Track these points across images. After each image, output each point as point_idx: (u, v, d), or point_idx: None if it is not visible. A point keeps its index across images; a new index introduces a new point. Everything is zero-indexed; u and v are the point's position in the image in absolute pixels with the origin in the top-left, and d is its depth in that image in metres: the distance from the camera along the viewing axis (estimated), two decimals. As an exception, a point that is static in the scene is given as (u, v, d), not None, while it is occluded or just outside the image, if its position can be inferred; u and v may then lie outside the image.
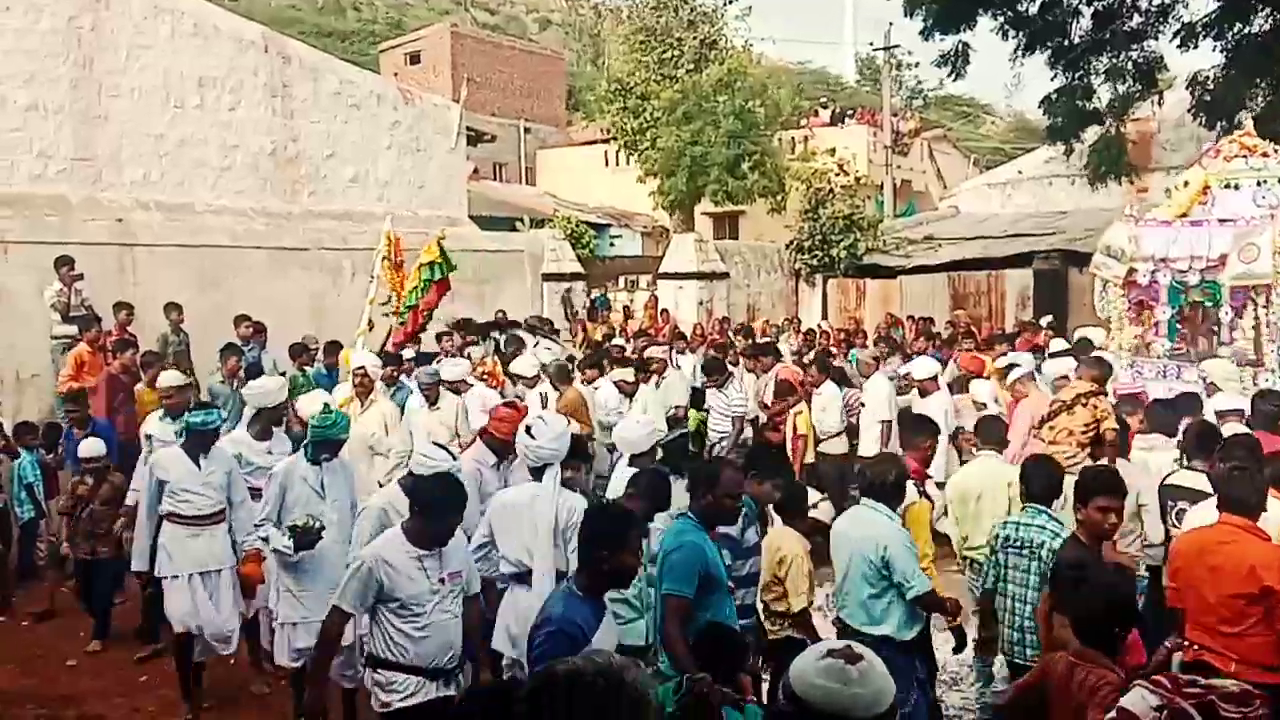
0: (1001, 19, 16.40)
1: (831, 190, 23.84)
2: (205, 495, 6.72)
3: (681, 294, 21.31)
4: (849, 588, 5.39)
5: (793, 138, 31.12)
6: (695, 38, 29.39)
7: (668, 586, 4.73)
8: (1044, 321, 14.86)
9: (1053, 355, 10.26)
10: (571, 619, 3.88)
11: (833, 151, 27.14)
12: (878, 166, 31.84)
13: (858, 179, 26.15)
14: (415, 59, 42.18)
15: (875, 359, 11.39)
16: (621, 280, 25.23)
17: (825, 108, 36.70)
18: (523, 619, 5.37)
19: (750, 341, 13.88)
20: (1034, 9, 16.48)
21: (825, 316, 22.10)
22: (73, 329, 11.50)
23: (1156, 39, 16.61)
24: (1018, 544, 5.49)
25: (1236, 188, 8.98)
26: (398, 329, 10.12)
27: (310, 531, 6.02)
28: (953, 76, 17.11)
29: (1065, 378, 8.39)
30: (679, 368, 12.20)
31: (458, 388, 9.55)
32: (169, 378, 8.41)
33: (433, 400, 9.21)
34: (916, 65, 54.62)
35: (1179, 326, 9.57)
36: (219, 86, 15.33)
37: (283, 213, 16.00)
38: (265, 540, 6.33)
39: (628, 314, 22.19)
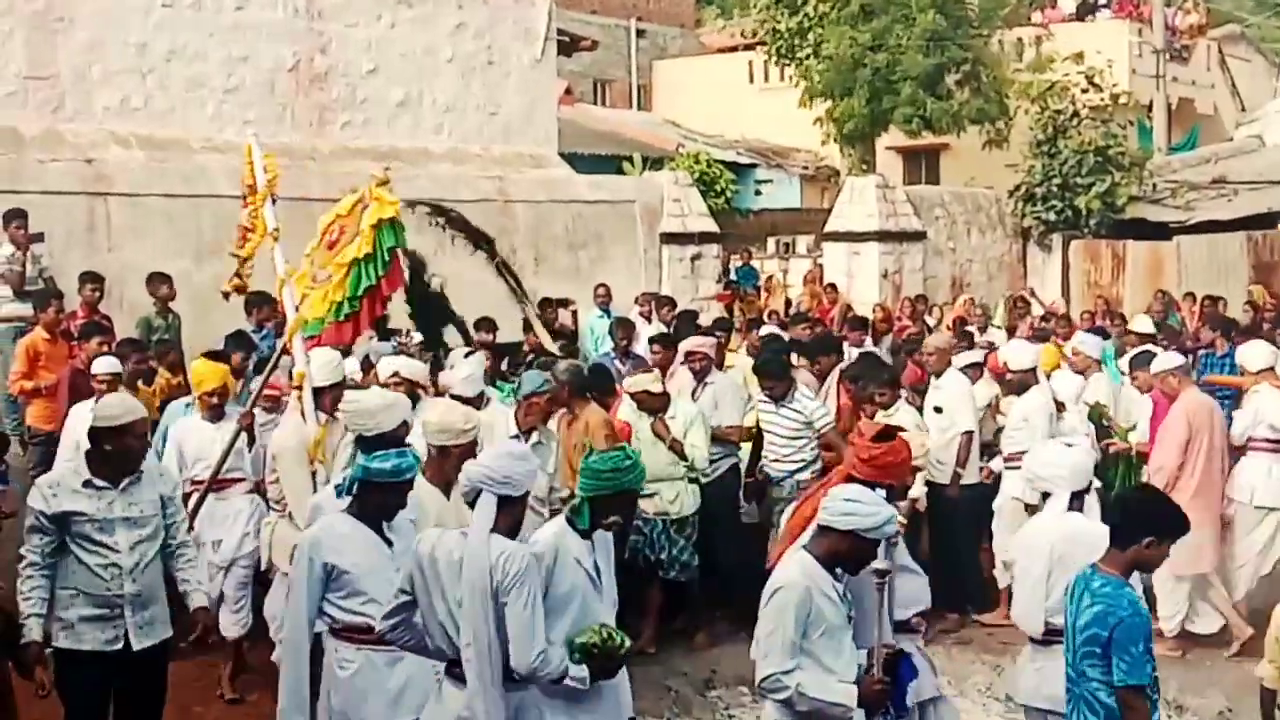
0: None
1: (1077, 114, 23.44)
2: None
3: (857, 262, 21.08)
4: None
5: (1019, 39, 30.65)
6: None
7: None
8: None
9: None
10: None
11: (1079, 58, 26.69)
12: (1144, 79, 31.04)
13: (1115, 97, 25.73)
14: (487, -63, 42.68)
15: (944, 348, 11.36)
16: (772, 243, 25.07)
17: (1067, -5, 35.94)
18: None
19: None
20: None
21: (1066, 293, 21.63)
22: (27, 308, 11.81)
23: None
24: None
25: None
26: (332, 324, 8.73)
27: (614, 651, 5.69)
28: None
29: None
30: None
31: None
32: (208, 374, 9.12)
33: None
34: (1201, -68, 53.20)
35: None
36: (222, -23, 15.69)
37: (307, 150, 16.28)
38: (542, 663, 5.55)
39: (771, 286, 21.99)
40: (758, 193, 32.45)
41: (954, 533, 10.54)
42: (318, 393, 8.27)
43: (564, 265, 17.90)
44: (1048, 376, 11.19)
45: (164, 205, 14.38)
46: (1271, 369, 10.28)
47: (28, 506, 6.51)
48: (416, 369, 9.86)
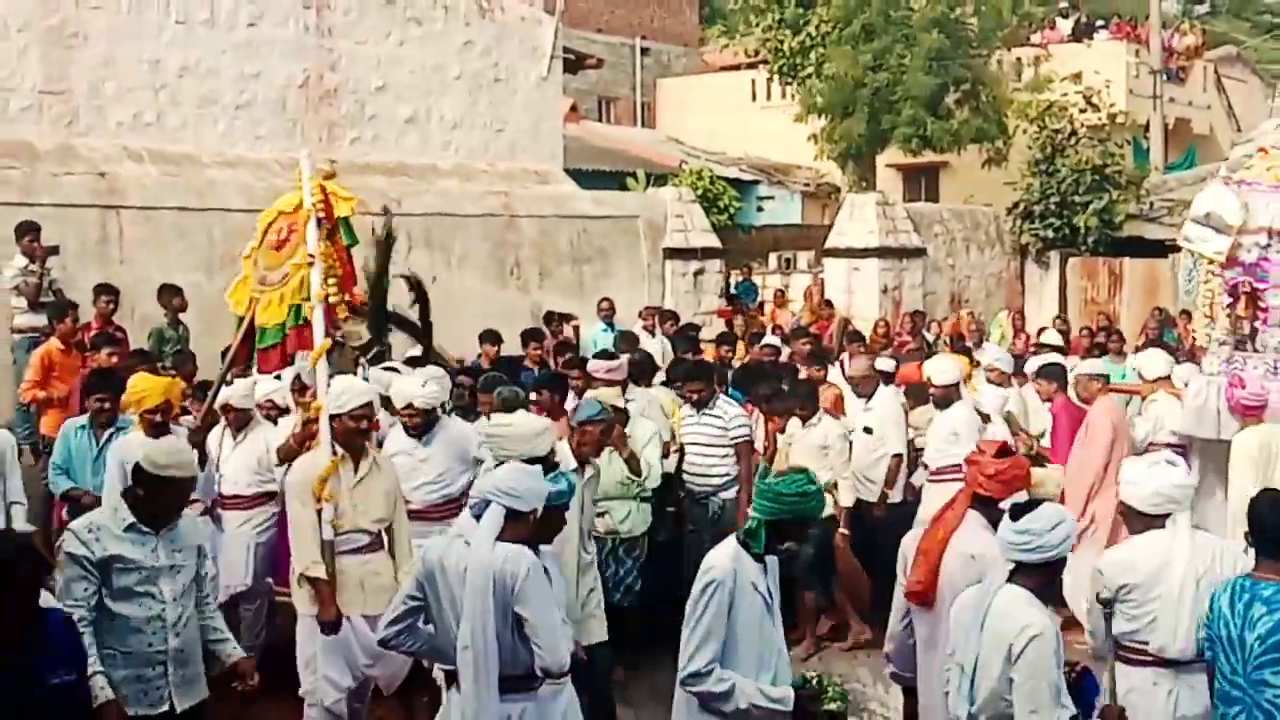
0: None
1: (1075, 133, 23.51)
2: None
3: (857, 278, 21.10)
4: None
5: (1019, 59, 30.66)
6: (881, -81, 29.18)
7: None
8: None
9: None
10: None
11: (1077, 78, 26.67)
12: (1142, 99, 31.08)
13: (1113, 117, 25.72)
14: (495, -44, 42.78)
15: (867, 373, 11.18)
16: (773, 259, 25.08)
17: (1066, 17, 35.92)
18: None
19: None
20: None
21: (1063, 310, 21.64)
22: (41, 319, 11.83)
23: None
24: None
25: None
26: (293, 330, 7.94)
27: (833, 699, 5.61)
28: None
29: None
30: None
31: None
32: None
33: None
34: (1199, -45, 53.32)
35: None
36: (234, -5, 15.76)
37: (317, 165, 16.29)
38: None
39: (779, 301, 22.05)
40: (760, 209, 32.45)
41: (878, 549, 10.30)
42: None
43: (568, 280, 17.97)
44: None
45: (176, 219, 14.43)
46: (1168, 377, 10.68)
47: (63, 553, 5.80)
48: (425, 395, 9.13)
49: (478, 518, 5.58)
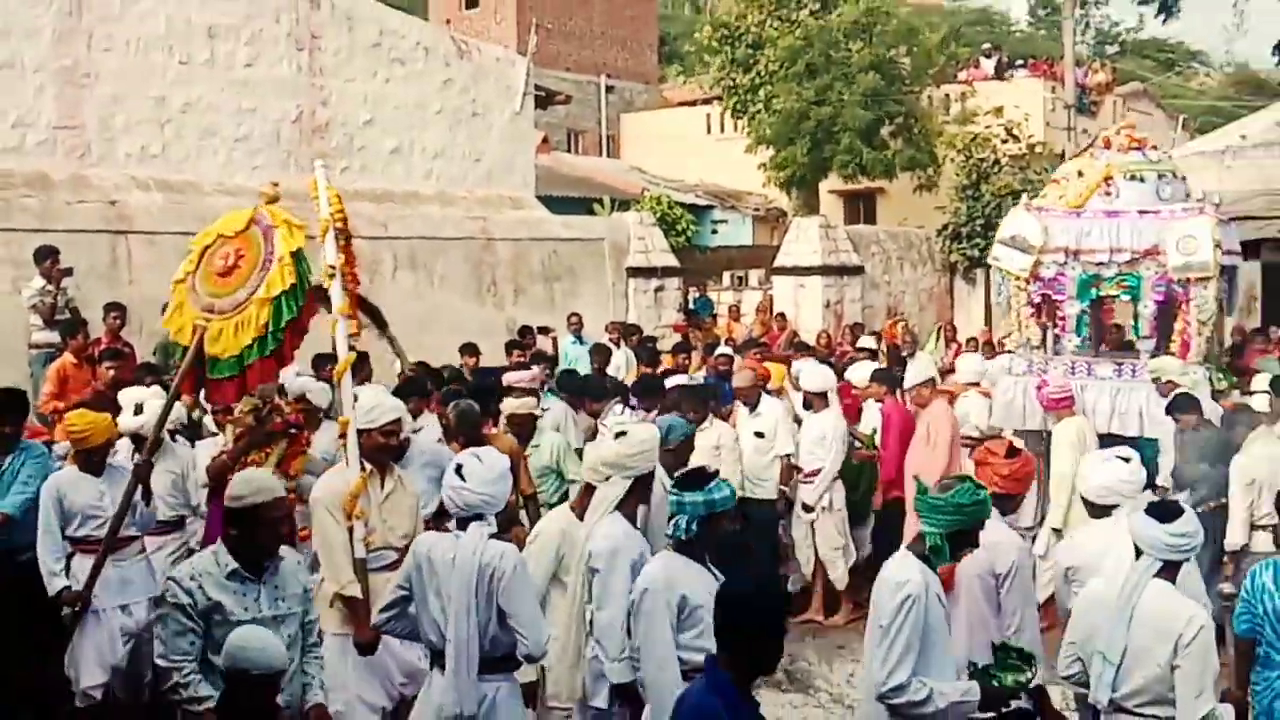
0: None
1: (998, 161, 23.70)
2: None
3: (803, 293, 21.14)
4: None
5: (947, 95, 30.83)
6: (822, -31, 29.26)
7: None
8: (1276, 332, 14.40)
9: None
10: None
11: (999, 112, 26.80)
12: (1057, 130, 31.25)
13: (1032, 146, 25.86)
14: (472, 2, 42.70)
15: (747, 386, 10.55)
16: (727, 276, 25.12)
17: (989, 57, 36.05)
18: (431, 713, 5.45)
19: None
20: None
21: (988, 322, 21.74)
22: (55, 336, 11.80)
23: None
24: None
25: (1141, 179, 10.47)
26: (257, 361, 6.99)
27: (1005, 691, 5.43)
28: (1161, 17, 16.68)
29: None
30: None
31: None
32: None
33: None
34: (1107, 1, 53.75)
35: (1086, 322, 10.86)
36: (233, 38, 15.70)
37: (308, 193, 16.22)
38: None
39: (734, 315, 22.10)
40: (714, 231, 32.49)
41: (774, 542, 10.37)
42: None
43: (540, 296, 17.97)
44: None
45: (180, 243, 14.15)
46: (978, 382, 10.96)
47: (166, 604, 5.18)
48: (321, 392, 8.67)
49: (462, 526, 5.54)
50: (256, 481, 5.41)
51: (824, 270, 21.17)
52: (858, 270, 21.88)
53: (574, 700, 6.29)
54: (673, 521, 5.47)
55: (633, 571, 5.74)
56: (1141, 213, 10.29)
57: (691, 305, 21.37)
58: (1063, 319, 10.56)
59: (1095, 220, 10.34)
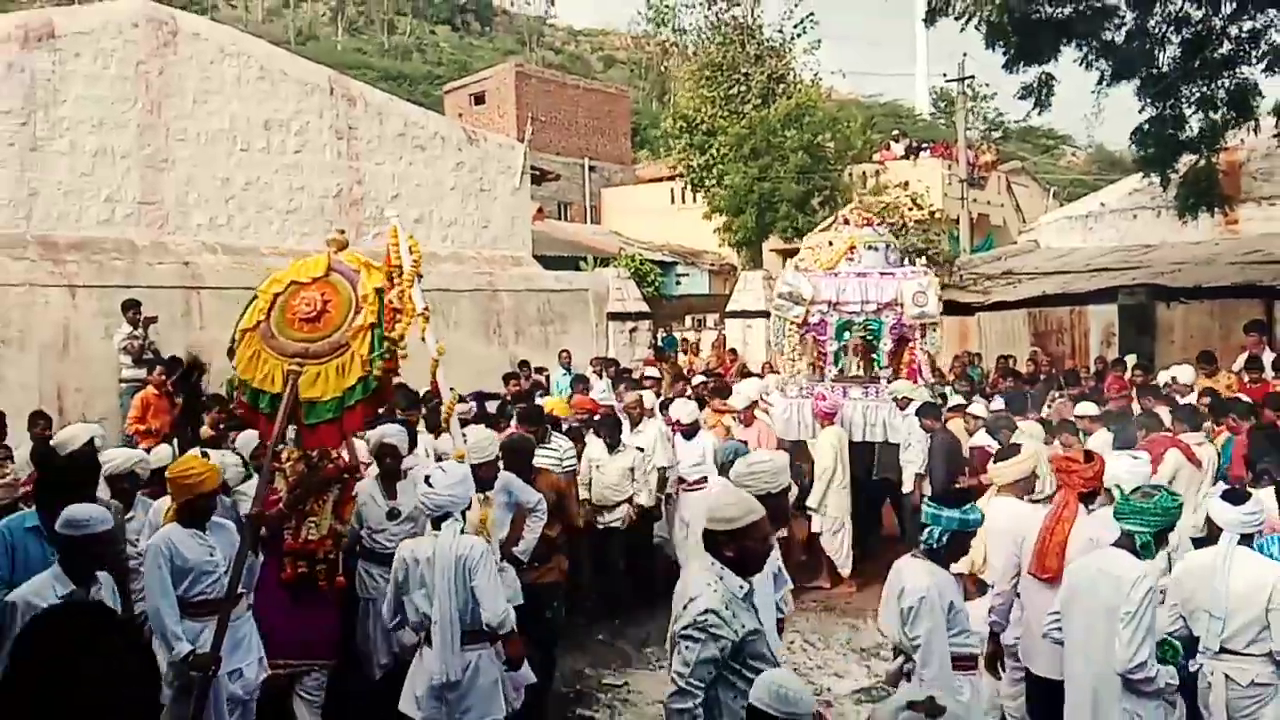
0: (1086, 49, 16.16)
1: (905, 225, 23.69)
2: None
3: (750, 332, 21.21)
4: None
5: (864, 172, 30.88)
6: (763, 72, 29.46)
7: None
8: (1130, 360, 14.54)
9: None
10: None
11: (906, 185, 26.93)
12: (953, 200, 31.52)
13: (932, 213, 25.92)
14: (480, 99, 42.88)
15: (635, 406, 10.27)
16: (688, 319, 25.22)
17: (898, 141, 36.45)
18: (424, 680, 5.48)
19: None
20: (1120, 38, 16.22)
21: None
22: (142, 372, 11.74)
23: (1251, 65, 16.25)
24: None
25: (876, 249, 11.36)
26: (359, 403, 6.16)
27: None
28: (1037, 110, 16.88)
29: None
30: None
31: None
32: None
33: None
34: (994, 96, 54.32)
35: (843, 356, 11.61)
36: (284, 129, 15.73)
37: (390, 240, 16.24)
38: None
39: (690, 350, 22.12)
40: (678, 283, 32.65)
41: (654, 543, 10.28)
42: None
43: (537, 337, 18.01)
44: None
45: (242, 296, 14.20)
46: (755, 403, 11.11)
47: (706, 635, 3.94)
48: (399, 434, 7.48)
49: (436, 523, 5.59)
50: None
51: (767, 314, 21.14)
52: (794, 314, 21.91)
53: None
54: (926, 530, 5.15)
55: None
56: (882, 274, 11.15)
57: (660, 343, 21.40)
58: (825, 355, 11.27)
59: (848, 280, 11.09)
